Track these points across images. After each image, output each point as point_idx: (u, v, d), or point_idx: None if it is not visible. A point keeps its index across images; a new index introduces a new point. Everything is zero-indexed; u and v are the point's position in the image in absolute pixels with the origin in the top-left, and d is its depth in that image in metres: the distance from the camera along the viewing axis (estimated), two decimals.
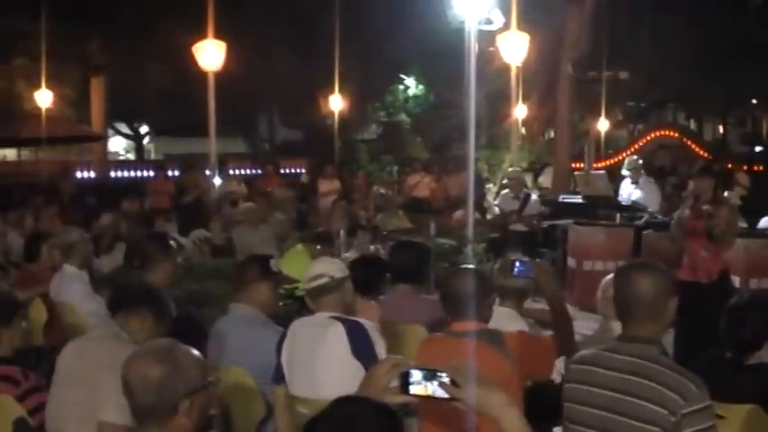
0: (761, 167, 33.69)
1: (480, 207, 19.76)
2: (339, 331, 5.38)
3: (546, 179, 26.19)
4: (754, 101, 44.08)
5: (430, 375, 3.04)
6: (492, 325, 5.14)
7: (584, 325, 8.06)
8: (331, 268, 5.72)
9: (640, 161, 16.76)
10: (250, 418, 5.89)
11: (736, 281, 12.17)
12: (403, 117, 28.87)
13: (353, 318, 5.55)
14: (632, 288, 4.20)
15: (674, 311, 4.26)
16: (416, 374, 3.05)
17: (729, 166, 28.86)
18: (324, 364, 5.38)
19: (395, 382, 3.10)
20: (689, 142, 35.36)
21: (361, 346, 5.31)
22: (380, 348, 5.34)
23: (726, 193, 12.29)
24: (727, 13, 29.62)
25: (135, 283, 6.62)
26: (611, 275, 6.06)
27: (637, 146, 32.98)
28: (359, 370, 5.08)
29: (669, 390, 3.94)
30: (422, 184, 22.62)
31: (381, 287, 7.35)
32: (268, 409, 5.84)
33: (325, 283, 5.63)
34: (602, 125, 31.93)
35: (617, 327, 4.47)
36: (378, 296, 7.28)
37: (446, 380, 3.02)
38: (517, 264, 5.81)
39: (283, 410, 5.64)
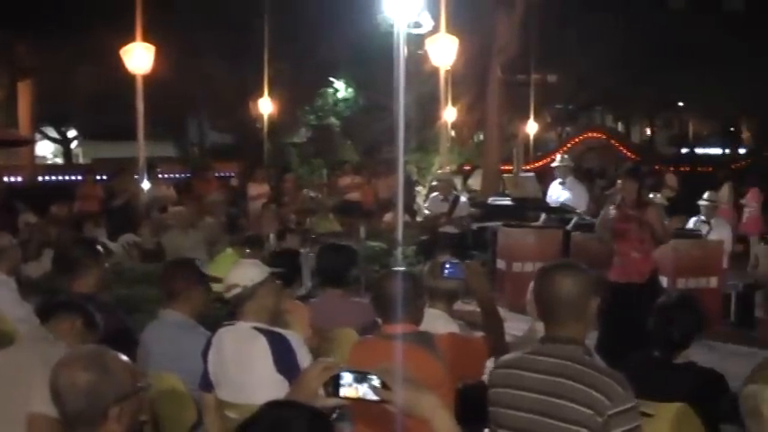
0: (688, 169, 34.15)
1: (410, 210, 19.81)
2: (262, 345, 5.38)
3: (475, 181, 26.29)
4: (681, 103, 44.59)
5: (360, 378, 3.04)
6: (423, 327, 5.14)
7: (514, 326, 8.10)
8: (245, 276, 5.67)
9: (572, 162, 16.88)
10: (181, 424, 5.84)
11: (665, 281, 12.34)
12: (333, 120, 28.82)
13: (276, 330, 5.53)
14: (555, 288, 4.20)
15: (595, 311, 4.28)
16: (347, 377, 3.05)
17: (657, 167, 29.22)
18: (249, 376, 5.38)
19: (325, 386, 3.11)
20: (617, 144, 35.76)
21: (284, 360, 5.32)
22: (304, 359, 5.34)
23: (652, 195, 12.44)
24: (654, 17, 29.97)
25: (64, 289, 6.55)
26: None
27: (565, 148, 33.28)
28: (282, 383, 5.09)
29: (595, 391, 3.96)
30: (353, 187, 22.61)
31: (349, 276, 7.38)
32: (199, 415, 5.80)
33: (239, 294, 5.61)
34: (531, 128, 32.19)
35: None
36: (346, 286, 7.31)
37: (377, 382, 3.02)
38: (447, 265, 5.83)
39: (213, 417, 5.62)
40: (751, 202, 21.19)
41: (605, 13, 30.90)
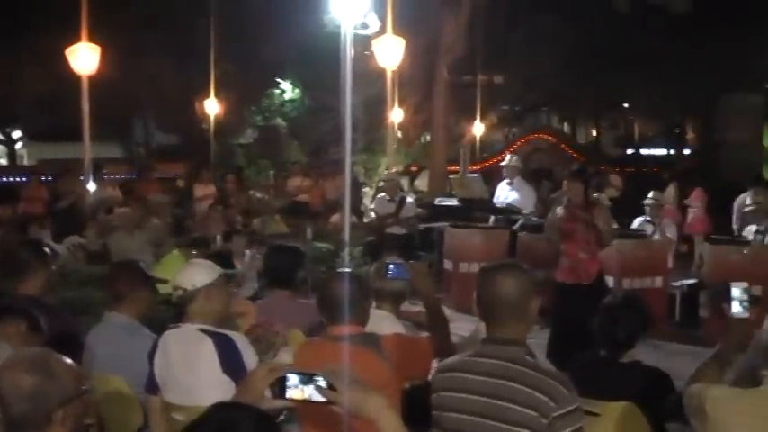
0: (633, 169, 34.40)
1: (357, 211, 19.82)
2: (208, 347, 5.37)
3: (422, 182, 26.36)
4: (626, 104, 44.89)
5: (306, 379, 3.04)
6: (369, 328, 5.14)
7: (461, 326, 8.11)
8: (191, 278, 5.65)
9: (520, 163, 16.93)
10: (127, 426, 5.82)
11: (610, 281, 12.43)
12: (279, 121, 28.74)
13: (222, 331, 5.52)
14: (496, 289, 4.21)
15: (536, 312, 4.30)
16: (293, 378, 3.05)
17: (602, 167, 29.42)
18: (196, 378, 5.37)
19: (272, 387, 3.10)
20: (563, 145, 35.94)
21: (230, 361, 5.31)
22: (251, 360, 5.33)
23: (596, 195, 12.51)
24: (600, 19, 30.13)
25: (9, 292, 6.48)
26: None
27: (512, 149, 33.40)
28: (230, 385, 5.08)
29: (539, 392, 3.96)
30: (303, 189, 22.58)
31: (296, 277, 7.37)
32: (146, 418, 5.78)
33: (185, 295, 5.60)
34: (478, 129, 32.25)
35: None
36: (293, 287, 7.30)
37: (323, 383, 3.02)
38: (392, 266, 5.83)
39: (159, 420, 5.60)
40: (695, 202, 21.36)
41: (552, 14, 31.00)
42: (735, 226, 16.34)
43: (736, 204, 17.04)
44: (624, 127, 54.92)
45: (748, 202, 13.92)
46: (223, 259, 8.06)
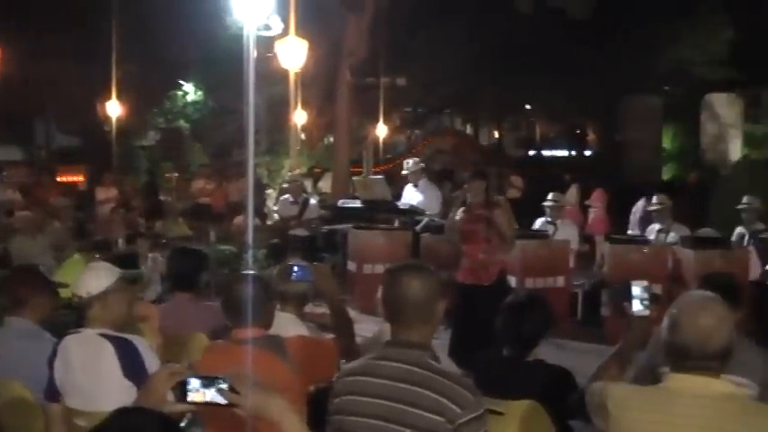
0: (534, 171, 34.69)
1: (261, 213, 19.73)
2: (108, 352, 5.30)
3: (325, 184, 26.37)
4: (528, 106, 45.30)
5: (208, 382, 3.02)
6: (273, 331, 5.11)
7: (365, 327, 8.11)
8: (91, 282, 5.57)
9: (421, 164, 16.97)
10: None
11: (513, 281, 12.52)
12: (182, 123, 28.56)
13: (122, 335, 5.44)
14: (401, 290, 4.17)
15: (442, 314, 4.29)
16: (194, 382, 3.03)
17: (504, 169, 29.67)
18: (97, 383, 5.29)
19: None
20: (465, 147, 36.17)
21: (131, 365, 5.25)
22: (152, 364, 5.27)
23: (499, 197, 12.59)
24: (501, 20, 30.36)
25: None
26: None
27: (414, 151, 33.53)
28: (131, 389, 5.02)
29: (444, 398, 3.93)
30: (206, 192, 22.45)
31: (199, 280, 7.31)
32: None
33: (86, 300, 5.52)
34: (381, 130, 32.33)
35: None
36: (197, 290, 7.24)
37: (225, 386, 3.01)
38: (295, 268, 5.81)
39: (58, 428, 5.51)
40: (596, 202, 21.63)
41: (454, 16, 31.19)
42: (630, 231, 16.57)
43: (633, 211, 17.28)
44: (526, 128, 55.48)
45: (654, 200, 14.12)
46: (128, 262, 7.94)
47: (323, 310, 5.90)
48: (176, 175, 27.53)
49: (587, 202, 21.78)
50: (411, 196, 16.27)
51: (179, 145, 28.57)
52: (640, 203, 17.03)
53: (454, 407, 3.92)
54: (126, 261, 7.69)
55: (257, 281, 5.13)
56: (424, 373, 4.03)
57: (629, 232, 16.48)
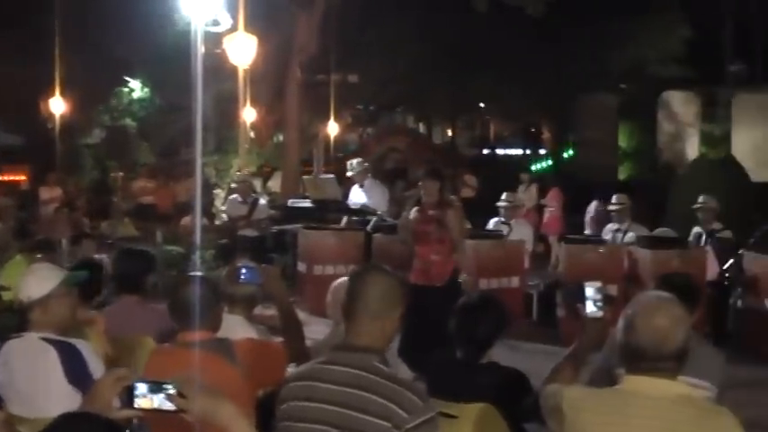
0: (488, 170, 34.81)
1: (209, 213, 19.67)
2: (52, 357, 5.26)
3: (275, 183, 26.29)
4: (482, 104, 45.40)
5: (155, 388, 3.01)
6: (221, 333, 5.10)
7: (316, 329, 8.12)
8: (34, 285, 5.53)
9: (365, 163, 16.93)
10: None
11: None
12: (128, 121, 28.36)
13: (66, 339, 5.41)
14: (360, 292, 4.17)
15: (399, 320, 4.28)
16: (141, 387, 3.01)
17: (458, 168, 29.73)
18: (40, 388, 5.26)
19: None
20: (418, 145, 36.18)
21: (75, 370, 5.22)
22: (97, 369, 5.25)
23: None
24: (456, 18, 30.41)
25: None
26: (342, 279, 6.14)
27: (366, 149, 33.51)
28: (76, 395, 4.99)
29: (392, 403, 3.91)
30: (147, 191, 22.34)
31: (146, 282, 7.26)
32: None
33: (28, 303, 5.48)
34: (332, 128, 32.28)
35: None
36: (143, 292, 7.19)
37: (172, 392, 3.00)
38: (244, 270, 5.80)
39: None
40: (552, 202, 21.76)
41: (407, 12, 31.19)
42: (587, 231, 16.66)
43: (587, 210, 17.36)
44: (480, 127, 55.61)
45: (614, 200, 14.19)
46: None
47: (272, 312, 5.89)
48: (122, 175, 27.36)
49: (543, 202, 21.91)
50: (357, 197, 16.24)
51: (125, 143, 28.35)
52: (593, 205, 17.13)
53: (401, 412, 3.90)
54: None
55: (205, 282, 5.12)
56: (371, 378, 4.01)
57: (587, 232, 16.59)
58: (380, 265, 4.52)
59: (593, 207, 18.15)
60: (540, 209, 22.28)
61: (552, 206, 21.64)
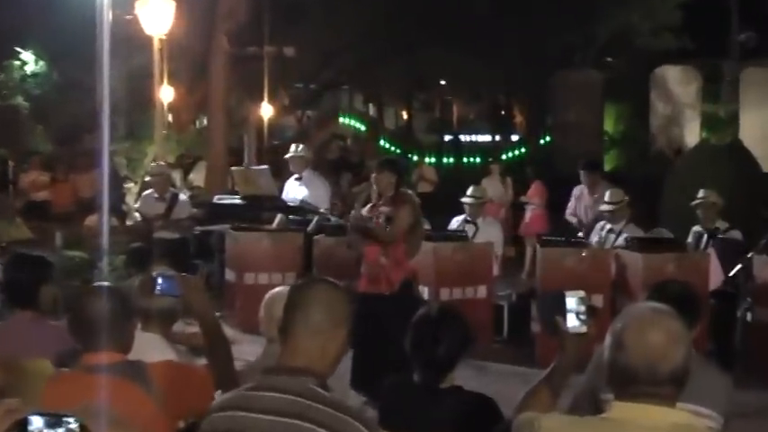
0: (451, 159, 34.89)
1: (118, 211, 19.59)
2: None
3: (198, 176, 26.23)
4: (443, 82, 45.45)
5: (54, 422, 2.98)
6: (134, 355, 5.08)
7: (247, 349, 8.12)
8: None
9: (303, 152, 16.83)
10: None
11: (425, 291, 12.58)
12: (20, 100, 28.21)
13: None
14: (300, 307, 4.18)
15: (344, 341, 4.29)
16: (36, 422, 2.99)
17: (414, 157, 29.79)
18: None
19: None
20: (368, 131, 36.25)
21: None
22: None
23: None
24: None
25: None
26: (278, 290, 6.14)
27: (307, 136, 33.49)
28: None
29: None
30: (39, 185, 22.23)
31: (42, 294, 7.21)
32: None
33: None
34: (266, 111, 32.24)
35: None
36: (39, 306, 7.14)
37: (74, 426, 2.97)
38: (160, 280, 5.77)
39: None
40: (534, 198, 21.73)
41: None
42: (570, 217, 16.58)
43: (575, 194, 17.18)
44: (441, 109, 55.70)
45: (607, 197, 14.21)
46: None
47: (194, 329, 5.87)
48: (12, 165, 27.20)
49: (523, 198, 21.91)
50: (293, 190, 16.18)
51: (16, 127, 28.17)
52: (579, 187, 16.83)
53: None
54: None
55: (113, 294, 5.10)
56: (309, 404, 3.99)
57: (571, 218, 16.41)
58: (324, 278, 4.52)
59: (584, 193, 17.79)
60: (516, 206, 22.33)
61: (534, 203, 21.65)
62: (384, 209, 10.51)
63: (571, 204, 16.40)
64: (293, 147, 16.68)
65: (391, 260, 10.51)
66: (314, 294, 4.23)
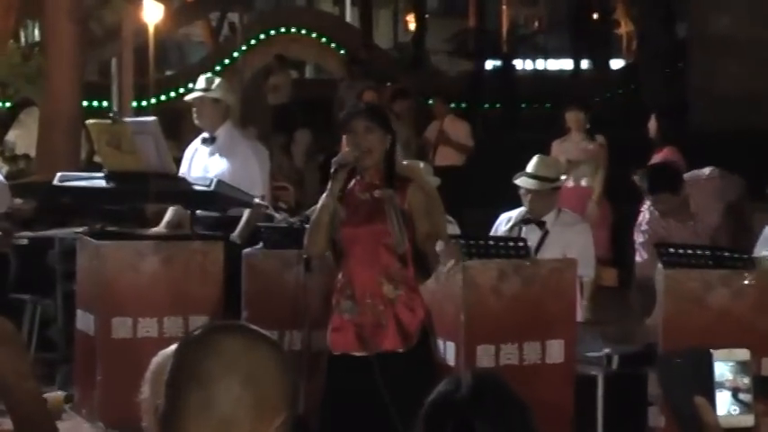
0: (496, 105, 35.14)
1: None
2: None
3: (24, 136, 26.46)
4: None
5: None
6: None
7: None
8: None
9: (219, 91, 16.75)
10: None
11: (447, 348, 12.65)
12: None
13: None
14: (203, 376, 4.19)
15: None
16: None
17: (429, 101, 29.97)
18: None
19: None
20: (345, 53, 36.51)
21: None
22: None
23: None
24: None
25: None
26: (170, 350, 6.16)
27: (226, 59, 33.77)
28: None
29: None
30: None
31: None
32: None
33: None
34: (152, 15, 32.35)
35: None
36: None
37: None
38: None
39: None
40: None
41: None
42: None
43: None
44: (477, 13, 55.96)
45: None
46: None
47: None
48: None
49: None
50: (202, 163, 16.07)
51: None
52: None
53: None
54: None
55: None
56: None
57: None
58: (250, 326, 4.45)
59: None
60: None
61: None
62: (378, 193, 10.37)
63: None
64: (202, 81, 16.55)
65: (404, 290, 10.38)
66: (226, 356, 4.15)
